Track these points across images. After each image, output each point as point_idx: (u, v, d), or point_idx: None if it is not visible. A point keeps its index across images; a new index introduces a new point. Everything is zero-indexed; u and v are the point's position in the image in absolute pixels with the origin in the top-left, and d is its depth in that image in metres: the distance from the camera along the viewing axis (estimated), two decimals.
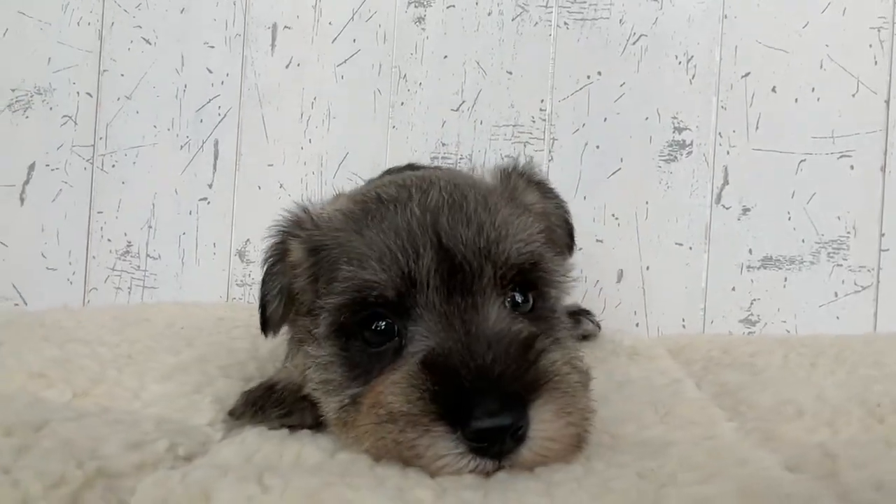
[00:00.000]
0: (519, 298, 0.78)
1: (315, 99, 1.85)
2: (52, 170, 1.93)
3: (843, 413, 0.80)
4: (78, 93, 1.92)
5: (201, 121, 1.89)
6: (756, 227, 1.72)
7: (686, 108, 1.74)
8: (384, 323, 0.74)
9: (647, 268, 1.75)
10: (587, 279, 1.76)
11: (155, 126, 1.91)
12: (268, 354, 1.10)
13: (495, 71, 1.80)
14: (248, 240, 1.86)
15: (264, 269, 0.90)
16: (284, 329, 0.96)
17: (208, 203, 1.89)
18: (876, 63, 1.69)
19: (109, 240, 1.92)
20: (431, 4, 1.80)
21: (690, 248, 1.74)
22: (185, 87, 1.90)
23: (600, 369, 1.05)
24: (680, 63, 1.74)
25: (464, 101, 1.80)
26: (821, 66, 1.70)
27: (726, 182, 1.73)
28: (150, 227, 1.91)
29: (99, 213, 1.92)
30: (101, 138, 1.92)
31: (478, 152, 1.80)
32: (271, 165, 1.87)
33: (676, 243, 1.74)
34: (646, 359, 1.11)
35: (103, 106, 1.92)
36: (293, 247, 0.87)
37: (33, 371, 0.86)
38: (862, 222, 1.69)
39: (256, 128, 1.87)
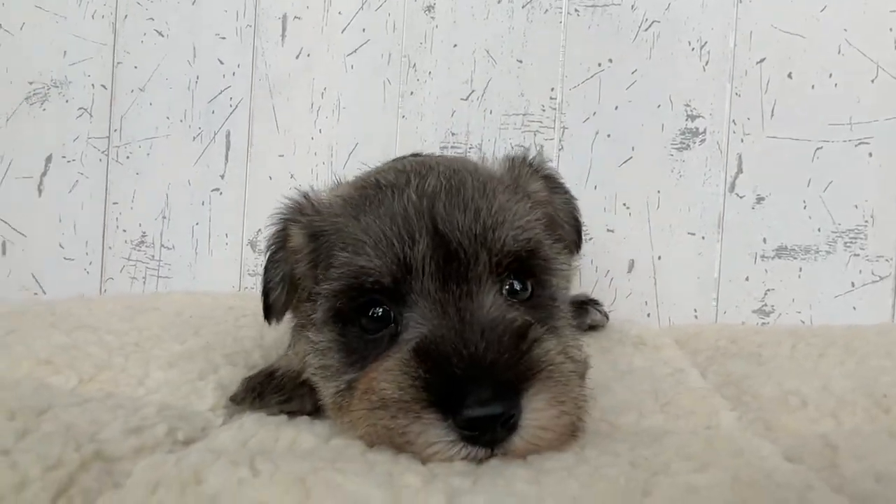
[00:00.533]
0: (517, 286, 0.77)
1: (325, 89, 1.86)
2: (69, 161, 1.96)
3: (848, 404, 0.78)
4: (93, 85, 1.95)
5: (213, 112, 1.90)
6: (770, 216, 1.69)
7: (699, 95, 1.71)
8: (381, 309, 0.75)
9: (659, 258, 1.73)
10: (598, 269, 1.75)
11: (168, 117, 1.93)
12: (273, 342, 1.11)
13: (505, 59, 1.78)
14: (259, 230, 1.87)
15: (266, 256, 0.91)
16: (289, 316, 0.97)
17: (221, 194, 1.91)
18: None
19: (125, 230, 1.95)
20: None
21: (703, 238, 1.71)
22: (198, 78, 1.91)
23: (604, 358, 1.04)
24: (693, 49, 1.71)
25: (473, 91, 1.79)
26: (839, 51, 1.66)
27: (740, 170, 1.70)
28: (164, 217, 1.93)
29: (114, 203, 1.95)
30: (115, 130, 1.95)
31: (487, 142, 1.79)
32: (282, 156, 1.87)
33: (689, 233, 1.72)
34: (651, 348, 1.10)
35: (117, 98, 1.94)
36: (294, 233, 0.87)
37: (41, 358, 0.88)
38: (880, 211, 1.65)
39: (267, 118, 1.88)
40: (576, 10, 1.75)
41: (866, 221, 1.66)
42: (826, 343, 1.04)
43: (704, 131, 1.71)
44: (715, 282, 1.71)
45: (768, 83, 1.69)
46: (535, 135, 1.77)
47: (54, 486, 0.54)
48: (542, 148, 1.75)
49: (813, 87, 1.68)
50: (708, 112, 1.71)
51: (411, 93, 1.82)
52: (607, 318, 1.35)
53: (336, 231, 0.79)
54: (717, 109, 1.71)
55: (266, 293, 0.90)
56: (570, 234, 0.99)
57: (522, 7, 1.76)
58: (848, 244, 1.67)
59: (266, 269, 0.90)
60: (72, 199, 1.96)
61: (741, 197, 1.70)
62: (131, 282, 1.95)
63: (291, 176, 1.87)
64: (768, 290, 1.69)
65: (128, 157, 1.94)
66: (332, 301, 0.76)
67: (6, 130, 1.98)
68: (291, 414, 0.78)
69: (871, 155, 1.66)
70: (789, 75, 1.69)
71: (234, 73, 1.90)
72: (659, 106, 1.72)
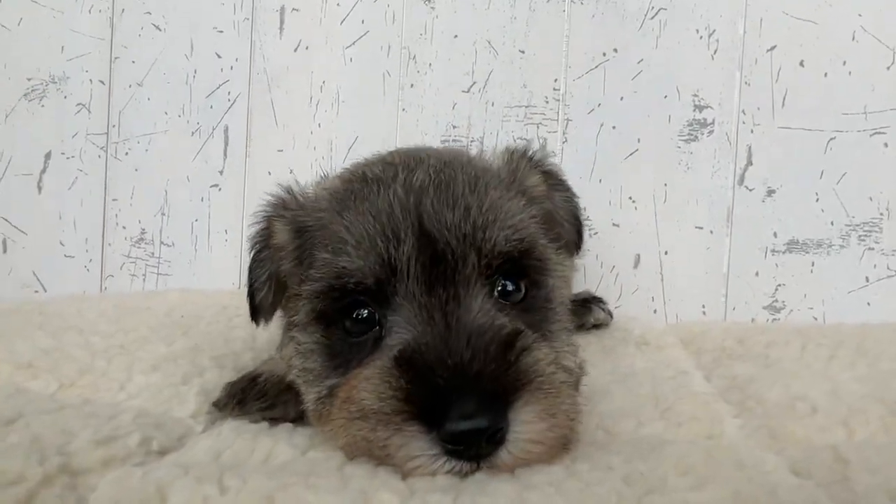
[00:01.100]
0: (510, 287, 0.73)
1: (324, 83, 1.82)
2: (68, 158, 1.94)
3: (859, 411, 0.74)
4: (91, 80, 1.93)
5: (211, 107, 1.88)
6: (781, 209, 1.64)
7: (707, 84, 1.66)
8: (365, 311, 0.71)
9: (666, 252, 1.68)
10: (603, 264, 1.71)
11: (166, 113, 1.90)
12: (265, 343, 1.08)
13: (507, 50, 1.74)
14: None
15: (251, 255, 0.88)
16: (281, 314, 0.94)
17: (219, 190, 1.88)
18: None
19: (124, 227, 1.93)
20: None
21: (711, 232, 1.66)
22: (195, 72, 1.88)
23: (605, 360, 1.00)
24: (701, 37, 1.66)
25: (475, 82, 1.75)
26: (853, 38, 1.60)
27: (750, 162, 1.65)
28: (163, 214, 1.91)
29: (114, 200, 1.93)
30: (113, 126, 1.92)
31: (489, 134, 1.75)
32: (281, 151, 1.84)
33: (697, 227, 1.67)
34: (654, 349, 1.06)
35: (115, 93, 1.92)
36: (278, 229, 0.84)
37: (22, 361, 0.86)
38: None
39: (266, 113, 1.85)
40: None
41: (881, 214, 1.60)
42: (836, 343, 0.99)
43: (713, 122, 1.66)
44: (724, 277, 1.66)
45: (779, 71, 1.63)
46: (538, 127, 1.73)
47: (11, 503, 0.51)
48: (545, 142, 1.71)
49: (826, 75, 1.62)
50: (716, 102, 1.66)
51: (411, 85, 1.78)
52: (611, 315, 1.31)
53: (320, 227, 0.76)
54: (725, 99, 1.65)
55: (252, 294, 0.87)
56: (570, 233, 0.95)
57: None
58: (862, 238, 1.61)
59: (251, 269, 0.87)
60: (71, 196, 1.95)
61: (751, 190, 1.65)
62: (131, 279, 1.93)
63: (290, 171, 1.84)
64: (779, 285, 1.64)
65: (126, 154, 1.92)
66: (313, 303, 0.73)
67: (5, 127, 1.96)
68: (274, 421, 0.75)
69: (886, 145, 1.60)
70: (801, 63, 1.63)
71: (231, 67, 1.86)
72: (666, 96, 1.67)
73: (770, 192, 1.64)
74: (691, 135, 1.66)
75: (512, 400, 0.59)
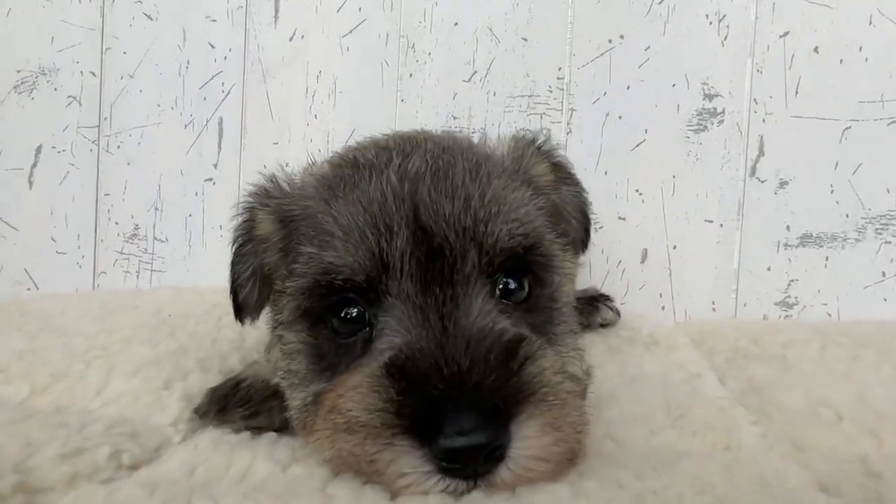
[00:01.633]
0: (512, 285, 0.68)
1: (320, 73, 1.77)
2: (59, 152, 1.90)
3: (888, 419, 0.68)
4: (81, 72, 1.88)
5: (205, 98, 1.82)
6: (794, 201, 1.57)
7: (717, 72, 1.59)
8: (355, 310, 0.66)
9: (674, 247, 1.63)
10: (609, 259, 1.65)
11: (158, 105, 1.85)
12: (254, 344, 1.03)
13: (509, 38, 1.68)
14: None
15: (233, 250, 0.82)
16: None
17: (214, 184, 1.83)
18: None
19: (117, 223, 1.88)
20: None
21: (721, 226, 1.60)
22: (188, 63, 1.83)
23: (613, 361, 0.95)
24: (711, 23, 1.59)
25: (476, 72, 1.69)
26: (869, 22, 1.53)
27: (762, 153, 1.59)
28: (156, 209, 1.86)
29: (106, 195, 1.88)
30: (105, 119, 1.87)
31: (491, 125, 1.69)
32: (276, 143, 1.79)
33: (706, 220, 1.61)
34: (664, 349, 1.00)
35: (107, 85, 1.87)
36: (261, 219, 0.78)
37: None
38: None
39: (261, 104, 1.80)
40: None
41: None
42: (858, 343, 0.94)
43: (723, 111, 1.59)
44: (734, 273, 1.60)
45: (792, 58, 1.57)
46: (541, 117, 1.67)
47: None
48: (549, 132, 1.65)
49: (841, 61, 1.55)
50: (727, 91, 1.59)
51: (410, 75, 1.72)
52: (619, 314, 1.25)
53: (306, 217, 0.70)
54: (736, 88, 1.59)
55: (235, 291, 0.82)
56: (577, 230, 0.89)
57: None
58: (879, 231, 1.55)
59: (233, 264, 0.81)
60: (63, 190, 1.90)
61: (763, 181, 1.59)
62: (124, 276, 1.89)
63: (286, 164, 1.78)
64: (792, 280, 1.58)
65: (118, 147, 1.87)
66: (298, 300, 0.67)
67: None
68: (257, 430, 0.70)
69: None
70: (815, 49, 1.56)
71: (225, 58, 1.81)
72: (674, 85, 1.61)
73: (783, 184, 1.58)
74: (700, 125, 1.60)
75: (514, 413, 0.54)
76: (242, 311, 0.83)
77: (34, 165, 1.91)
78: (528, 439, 0.54)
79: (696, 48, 1.59)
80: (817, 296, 1.58)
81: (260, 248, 0.78)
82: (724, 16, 1.58)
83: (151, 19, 1.84)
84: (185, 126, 1.83)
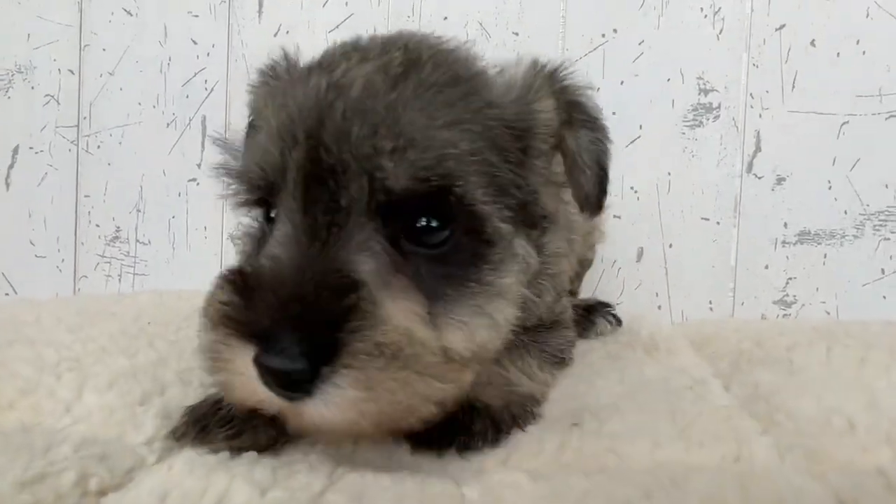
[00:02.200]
0: (430, 223, 0.61)
1: None
2: (37, 153, 1.84)
3: None
4: (59, 70, 1.82)
5: (187, 96, 1.77)
6: (792, 198, 1.55)
7: (713, 66, 1.56)
8: (267, 209, 0.68)
9: (671, 245, 1.59)
10: (604, 258, 1.61)
11: (140, 103, 1.79)
12: None
13: (500, 32, 1.64)
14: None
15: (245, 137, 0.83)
16: None
17: (197, 184, 1.78)
18: None
19: (98, 225, 1.83)
20: None
21: (718, 223, 1.57)
22: (170, 60, 1.77)
23: (613, 368, 0.91)
24: (706, 16, 1.56)
25: None
26: (867, 15, 1.51)
27: (758, 149, 1.56)
28: (138, 210, 1.81)
29: (86, 196, 1.83)
30: (84, 118, 1.82)
31: None
32: None
33: (703, 218, 1.58)
34: (665, 353, 0.96)
35: (86, 83, 1.81)
36: (259, 96, 0.81)
37: None
38: None
39: (245, 102, 1.74)
40: None
41: None
42: (865, 345, 0.91)
43: (719, 106, 1.56)
44: (731, 270, 1.57)
45: (789, 52, 1.54)
46: None
47: None
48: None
49: (838, 55, 1.52)
50: (723, 85, 1.56)
51: None
52: (620, 322, 1.19)
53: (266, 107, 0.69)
54: (732, 82, 1.56)
55: None
56: (590, 183, 0.78)
57: None
58: (877, 227, 1.52)
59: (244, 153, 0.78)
60: (41, 192, 1.84)
61: (760, 178, 1.56)
62: (106, 280, 1.83)
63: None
64: (790, 278, 1.56)
65: (98, 147, 1.81)
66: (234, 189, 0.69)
67: None
68: (240, 450, 0.65)
69: None
70: (812, 43, 1.53)
71: (208, 54, 1.76)
72: (669, 79, 1.58)
73: (780, 181, 1.55)
74: (696, 120, 1.57)
75: (329, 357, 0.52)
76: None
77: (11, 166, 1.85)
78: (337, 388, 0.52)
79: (690, 42, 1.56)
80: (816, 294, 1.55)
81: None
82: (720, 9, 1.55)
83: (131, 15, 1.79)
84: (168, 125, 1.78)
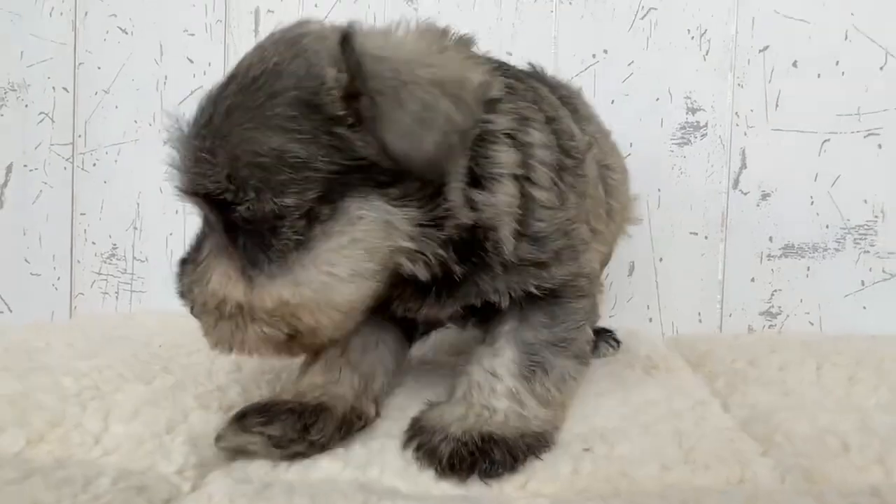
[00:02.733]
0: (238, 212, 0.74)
1: None
2: (31, 170, 1.84)
3: (893, 445, 0.70)
4: (54, 88, 1.82)
5: (184, 114, 1.77)
6: (776, 213, 1.61)
7: (700, 86, 1.62)
8: None
9: (661, 259, 1.65)
10: None
11: (136, 121, 1.80)
12: (252, 373, 1.01)
13: (493, 52, 1.66)
14: None
15: None
16: None
17: None
18: None
19: (94, 243, 1.83)
20: None
21: (706, 238, 1.63)
22: (166, 78, 1.79)
23: (615, 390, 0.94)
24: (693, 38, 1.62)
25: None
26: (846, 37, 1.57)
27: (744, 166, 1.62)
28: (135, 228, 1.82)
29: (82, 214, 1.83)
30: (79, 136, 1.82)
31: None
32: None
33: (691, 233, 1.63)
34: (664, 372, 1.01)
35: (81, 101, 1.81)
36: None
37: None
38: (891, 205, 1.58)
39: None
40: None
41: (876, 217, 1.58)
42: (852, 362, 0.96)
43: (706, 125, 1.62)
44: (719, 284, 1.63)
45: (772, 72, 1.60)
46: None
47: None
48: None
49: (819, 75, 1.59)
50: (709, 104, 1.62)
51: None
52: (619, 344, 1.23)
53: None
54: (718, 102, 1.62)
55: None
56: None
57: None
58: (857, 241, 1.59)
59: None
60: (36, 210, 1.84)
61: (745, 193, 1.62)
62: (103, 297, 1.84)
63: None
64: (775, 290, 1.62)
65: (94, 165, 1.82)
66: None
67: None
68: (270, 439, 0.72)
69: (880, 146, 1.58)
70: (794, 64, 1.60)
71: (204, 73, 1.77)
72: (657, 99, 1.63)
73: (765, 196, 1.61)
74: (684, 138, 1.63)
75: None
76: None
77: (5, 185, 1.85)
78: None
79: (678, 63, 1.62)
80: (800, 305, 1.61)
81: None
82: (706, 30, 1.61)
83: (126, 33, 1.79)
84: (164, 143, 1.79)
